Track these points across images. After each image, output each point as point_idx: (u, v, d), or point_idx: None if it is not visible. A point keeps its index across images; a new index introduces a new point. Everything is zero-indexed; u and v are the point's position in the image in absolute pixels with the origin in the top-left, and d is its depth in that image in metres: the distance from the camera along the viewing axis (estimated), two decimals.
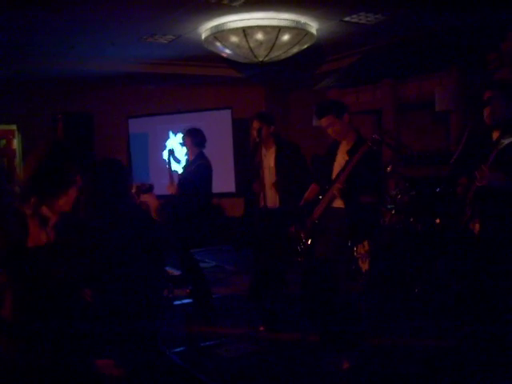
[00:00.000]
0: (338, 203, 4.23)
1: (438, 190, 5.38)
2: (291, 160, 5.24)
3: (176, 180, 6.22)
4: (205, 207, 5.88)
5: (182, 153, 9.95)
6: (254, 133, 5.25)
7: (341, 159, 4.30)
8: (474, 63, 6.49)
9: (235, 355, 4.38)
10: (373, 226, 4.70)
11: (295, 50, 7.32)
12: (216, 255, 8.72)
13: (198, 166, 5.86)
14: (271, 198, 5.22)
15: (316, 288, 4.24)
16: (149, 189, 3.18)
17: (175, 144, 10.04)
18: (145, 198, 3.15)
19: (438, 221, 5.37)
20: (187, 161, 6.28)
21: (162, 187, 7.58)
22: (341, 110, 4.31)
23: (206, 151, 6.18)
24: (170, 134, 10.06)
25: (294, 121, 10.81)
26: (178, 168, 9.82)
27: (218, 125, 9.48)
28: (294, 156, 5.31)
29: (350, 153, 4.22)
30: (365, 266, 6.02)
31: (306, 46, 7.36)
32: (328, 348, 4.19)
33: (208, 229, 5.96)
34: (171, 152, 6.29)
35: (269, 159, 5.33)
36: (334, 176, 4.29)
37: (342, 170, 4.16)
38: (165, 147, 10.14)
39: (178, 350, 4.49)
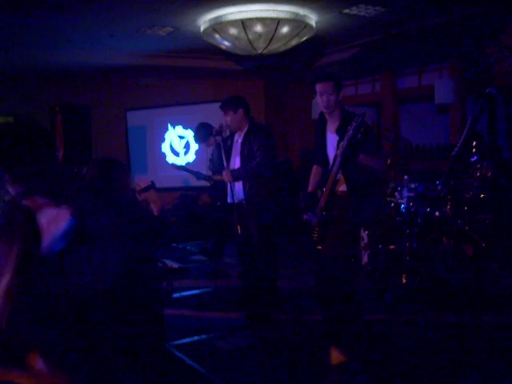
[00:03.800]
0: (342, 187, 4.22)
1: (438, 182, 5.39)
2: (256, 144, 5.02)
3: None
4: None
5: (181, 145, 9.97)
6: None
7: (332, 139, 4.26)
8: (474, 56, 6.47)
9: (235, 348, 4.38)
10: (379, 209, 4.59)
11: (294, 42, 7.29)
12: None
13: None
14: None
15: (325, 281, 4.19)
16: (149, 187, 3.15)
17: (174, 137, 10.03)
18: (145, 196, 3.13)
19: (437, 214, 5.37)
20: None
21: (161, 180, 7.60)
22: (340, 84, 4.32)
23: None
24: (169, 126, 10.03)
25: (293, 113, 10.78)
26: (176, 160, 9.85)
27: (217, 117, 9.42)
28: (260, 140, 5.02)
29: (338, 131, 4.18)
30: (364, 259, 6.03)
31: (305, 39, 7.33)
32: (330, 340, 4.19)
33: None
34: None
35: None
36: (330, 157, 4.28)
37: (335, 158, 4.11)
38: (163, 140, 10.13)
39: (177, 342, 4.50)
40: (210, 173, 6.71)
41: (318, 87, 4.26)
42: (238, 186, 5.09)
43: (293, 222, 7.80)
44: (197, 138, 6.99)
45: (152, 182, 3.22)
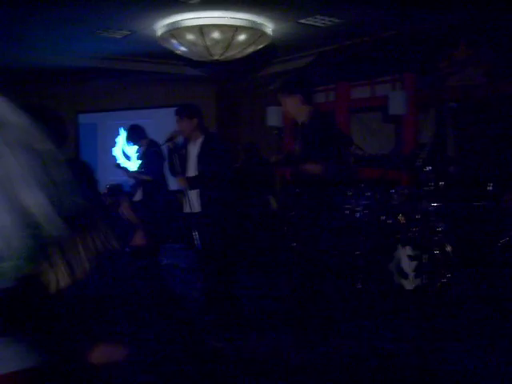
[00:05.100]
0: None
1: (392, 191, 5.55)
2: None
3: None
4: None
5: (132, 149, 9.88)
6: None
7: None
8: (427, 69, 6.68)
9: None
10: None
11: (250, 49, 7.36)
12: (170, 253, 8.64)
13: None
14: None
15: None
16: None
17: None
18: (114, 200, 3.09)
19: (390, 221, 5.52)
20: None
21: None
22: (297, 93, 4.41)
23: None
24: (121, 130, 9.93)
25: (246, 120, 10.82)
26: (129, 165, 9.76)
27: (170, 122, 9.39)
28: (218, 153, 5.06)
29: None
30: None
31: (261, 46, 7.41)
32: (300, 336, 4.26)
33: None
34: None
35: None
36: None
37: None
38: (115, 143, 10.02)
39: None
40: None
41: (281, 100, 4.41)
42: (193, 195, 5.08)
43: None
44: (129, 140, 7.25)
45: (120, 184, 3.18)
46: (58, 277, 1.44)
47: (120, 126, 9.95)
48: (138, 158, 7.38)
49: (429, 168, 5.23)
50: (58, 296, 1.46)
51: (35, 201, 0.71)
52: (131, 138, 7.10)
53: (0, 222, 0.69)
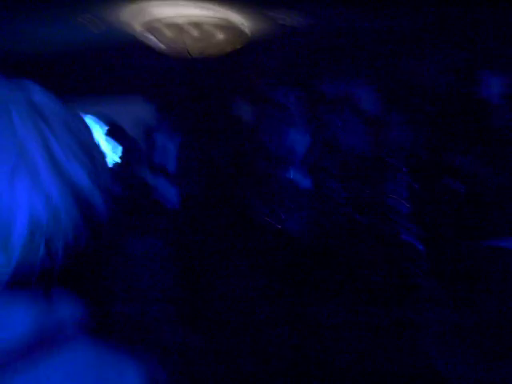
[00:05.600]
0: None
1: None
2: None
3: None
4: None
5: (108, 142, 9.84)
6: None
7: None
8: (399, 69, 6.82)
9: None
10: None
11: (229, 48, 7.44)
12: (142, 247, 8.68)
13: None
14: None
15: None
16: None
17: (101, 134, 9.88)
18: None
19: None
20: None
21: None
22: None
23: None
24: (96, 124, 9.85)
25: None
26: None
27: (143, 113, 9.40)
28: None
29: None
30: None
31: (239, 46, 7.48)
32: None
33: None
34: None
35: None
36: None
37: None
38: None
39: None
40: None
41: None
42: (170, 192, 5.15)
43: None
44: (105, 135, 7.43)
45: None
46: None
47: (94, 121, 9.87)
48: (114, 154, 7.46)
49: (404, 170, 5.37)
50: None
51: (80, 180, 0.75)
52: (108, 134, 7.17)
53: (47, 192, 0.71)
